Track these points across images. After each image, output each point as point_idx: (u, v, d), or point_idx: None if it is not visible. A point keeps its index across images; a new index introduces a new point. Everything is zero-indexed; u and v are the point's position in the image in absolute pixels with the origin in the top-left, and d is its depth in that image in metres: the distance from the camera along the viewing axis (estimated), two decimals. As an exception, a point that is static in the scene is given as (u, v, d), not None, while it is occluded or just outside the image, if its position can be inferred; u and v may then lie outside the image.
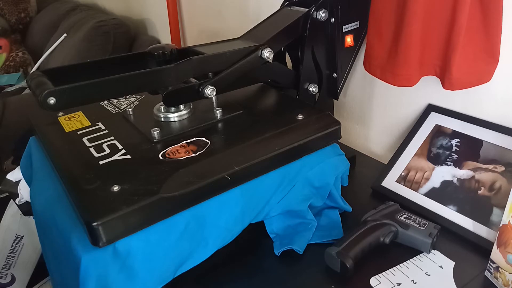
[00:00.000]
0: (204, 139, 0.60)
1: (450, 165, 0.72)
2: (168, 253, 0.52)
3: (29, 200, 0.77)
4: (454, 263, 0.59)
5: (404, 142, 0.80)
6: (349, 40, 0.79)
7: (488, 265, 0.56)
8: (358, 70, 0.90)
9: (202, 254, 0.55)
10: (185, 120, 0.67)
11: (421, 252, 0.61)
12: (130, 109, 0.70)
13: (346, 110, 0.98)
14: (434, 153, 0.75)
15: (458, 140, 0.73)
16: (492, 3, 0.60)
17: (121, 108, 0.72)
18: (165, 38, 1.59)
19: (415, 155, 0.77)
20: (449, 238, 0.63)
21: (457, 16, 0.61)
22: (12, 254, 0.85)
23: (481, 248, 0.60)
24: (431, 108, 0.79)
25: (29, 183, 0.72)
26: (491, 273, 0.56)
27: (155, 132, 0.61)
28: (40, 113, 0.69)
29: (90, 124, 0.67)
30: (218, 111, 0.67)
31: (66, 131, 0.65)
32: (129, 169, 0.54)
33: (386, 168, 0.78)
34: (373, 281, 0.57)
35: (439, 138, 0.76)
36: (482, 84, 0.67)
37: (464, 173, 0.69)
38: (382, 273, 0.58)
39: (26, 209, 0.82)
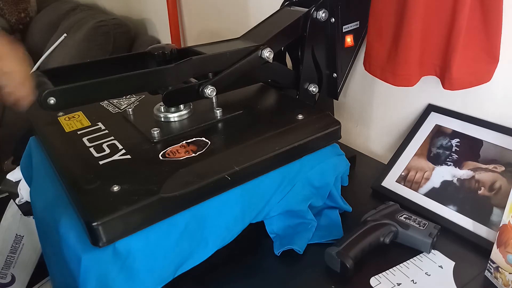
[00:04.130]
0: (204, 139, 0.60)
1: (450, 165, 0.71)
2: (168, 253, 0.52)
3: (29, 200, 0.77)
4: (454, 263, 0.59)
5: (404, 142, 0.80)
6: (349, 40, 0.79)
7: (488, 265, 0.56)
8: (358, 70, 0.90)
9: (202, 254, 0.55)
10: (185, 120, 0.67)
11: (421, 252, 0.61)
12: (130, 109, 0.70)
13: (346, 110, 0.98)
14: (434, 153, 0.75)
15: (458, 140, 0.73)
16: (492, 3, 0.60)
17: (121, 108, 0.72)
18: (165, 38, 1.59)
19: (415, 155, 0.77)
20: (449, 238, 0.63)
21: (457, 16, 0.61)
22: (12, 254, 0.85)
23: (481, 248, 0.60)
24: (431, 108, 0.79)
25: (29, 183, 0.72)
26: (491, 273, 0.56)
27: (155, 132, 0.60)
28: (40, 113, 0.69)
29: (90, 124, 0.67)
30: (218, 111, 0.67)
31: (66, 131, 0.65)
32: (129, 169, 0.54)
33: (386, 168, 0.78)
34: (373, 281, 0.57)
35: (439, 138, 0.76)
36: (482, 84, 0.67)
37: (464, 173, 0.69)
38: (382, 273, 0.58)
39: (26, 209, 0.82)
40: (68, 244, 0.50)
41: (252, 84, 0.77)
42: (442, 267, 0.58)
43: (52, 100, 0.48)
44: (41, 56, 1.73)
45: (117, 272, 0.49)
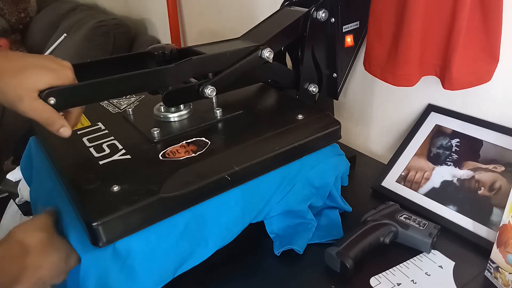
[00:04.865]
0: (204, 139, 0.60)
1: (450, 165, 0.71)
2: (168, 253, 0.52)
3: (29, 200, 0.77)
4: (454, 263, 0.59)
5: (404, 142, 0.80)
6: (349, 40, 0.79)
7: (488, 265, 0.56)
8: (358, 70, 0.90)
9: (202, 254, 0.55)
10: (185, 120, 0.67)
11: (421, 252, 0.61)
12: (130, 109, 0.70)
13: (346, 110, 0.98)
14: (434, 153, 0.75)
15: (458, 140, 0.73)
16: (492, 3, 0.60)
17: (121, 108, 0.72)
18: (165, 38, 1.59)
19: (415, 155, 0.77)
20: (449, 238, 0.63)
21: (457, 16, 0.61)
22: (12, 254, 0.85)
23: (481, 248, 0.60)
24: (431, 108, 0.79)
25: (29, 183, 0.72)
26: (491, 273, 0.56)
27: (155, 132, 0.60)
28: (40, 113, 0.69)
29: (90, 124, 0.67)
30: (218, 111, 0.67)
31: (66, 131, 0.65)
32: (129, 169, 0.54)
33: (386, 168, 0.78)
34: (373, 281, 0.57)
35: (439, 138, 0.76)
36: (482, 84, 0.67)
37: (464, 173, 0.69)
38: (382, 273, 0.58)
39: (26, 209, 0.82)
40: (68, 244, 0.50)
41: (252, 84, 0.77)
42: (442, 267, 0.58)
43: (52, 100, 0.48)
44: (41, 56, 1.73)
45: (117, 272, 0.49)
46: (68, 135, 0.50)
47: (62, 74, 0.49)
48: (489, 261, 0.56)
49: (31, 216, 0.82)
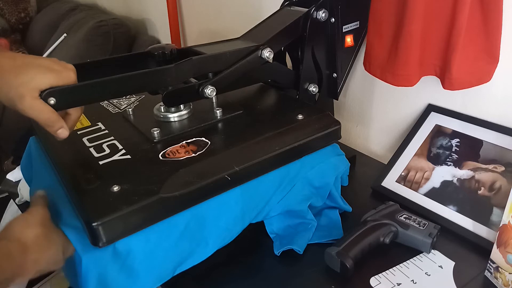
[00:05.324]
0: (204, 139, 0.60)
1: (450, 165, 0.71)
2: (168, 253, 0.52)
3: (29, 200, 0.77)
4: (454, 263, 0.59)
5: (404, 142, 0.80)
6: (349, 40, 0.79)
7: (488, 265, 0.56)
8: (358, 70, 0.90)
9: (202, 254, 0.56)
10: (185, 120, 0.67)
11: (421, 252, 0.61)
12: (130, 109, 0.70)
13: (346, 110, 0.98)
14: (434, 153, 0.75)
15: (458, 140, 0.73)
16: (492, 3, 0.60)
17: (121, 108, 0.72)
18: (165, 38, 1.59)
19: (415, 155, 0.77)
20: (449, 238, 0.63)
21: (457, 16, 0.61)
22: (12, 254, 0.84)
23: (481, 248, 0.60)
24: (431, 108, 0.79)
25: (29, 183, 0.72)
26: (491, 273, 0.56)
27: (155, 132, 0.60)
28: (40, 113, 0.69)
29: (90, 124, 0.67)
30: (218, 111, 0.67)
31: (66, 131, 0.65)
32: (129, 169, 0.54)
33: (386, 168, 0.78)
34: (373, 281, 0.57)
35: (439, 138, 0.76)
36: (482, 84, 0.67)
37: (464, 173, 0.69)
38: (382, 273, 0.58)
39: (26, 209, 0.81)
40: (68, 244, 0.50)
41: (252, 84, 0.77)
42: (442, 267, 0.58)
43: (52, 100, 0.48)
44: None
45: (117, 271, 0.49)
46: (65, 136, 0.51)
47: (65, 75, 0.49)
48: (489, 261, 0.56)
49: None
